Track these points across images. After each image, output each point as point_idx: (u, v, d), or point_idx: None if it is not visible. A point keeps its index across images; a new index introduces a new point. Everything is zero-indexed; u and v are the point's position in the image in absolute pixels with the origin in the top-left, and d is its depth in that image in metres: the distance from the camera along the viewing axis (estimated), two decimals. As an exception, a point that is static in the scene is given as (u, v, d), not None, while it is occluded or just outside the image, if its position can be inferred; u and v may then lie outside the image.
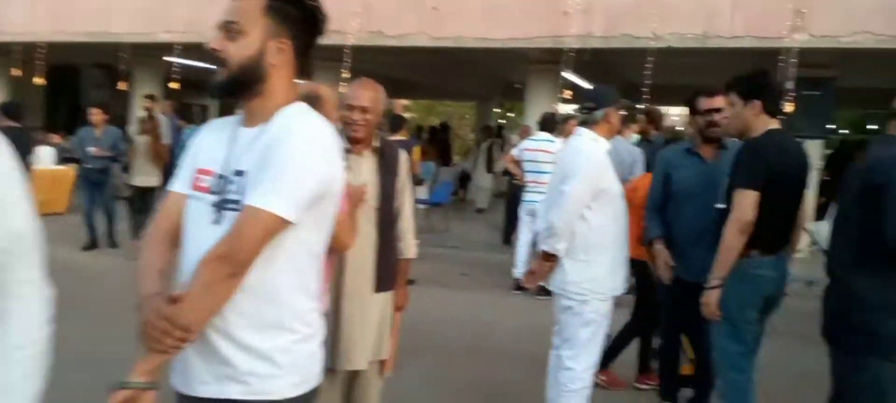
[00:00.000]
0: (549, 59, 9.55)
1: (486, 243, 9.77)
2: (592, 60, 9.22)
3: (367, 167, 2.87)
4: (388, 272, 2.96)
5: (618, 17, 8.55)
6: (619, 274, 3.31)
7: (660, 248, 3.67)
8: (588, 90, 3.43)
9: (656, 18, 8.44)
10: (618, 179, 3.40)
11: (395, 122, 7.57)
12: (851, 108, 20.34)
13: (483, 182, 13.25)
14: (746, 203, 2.94)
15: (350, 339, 2.88)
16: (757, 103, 3.05)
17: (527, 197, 6.86)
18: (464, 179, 15.69)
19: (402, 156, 3.04)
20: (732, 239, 2.97)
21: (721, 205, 3.14)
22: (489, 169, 13.09)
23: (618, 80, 11.20)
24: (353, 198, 2.69)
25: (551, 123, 7.11)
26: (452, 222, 11.06)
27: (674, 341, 3.85)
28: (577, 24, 8.65)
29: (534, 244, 6.67)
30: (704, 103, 3.60)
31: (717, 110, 3.53)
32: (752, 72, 3.17)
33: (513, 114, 27.16)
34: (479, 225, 11.57)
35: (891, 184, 2.34)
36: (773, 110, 3.07)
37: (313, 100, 2.60)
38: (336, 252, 2.68)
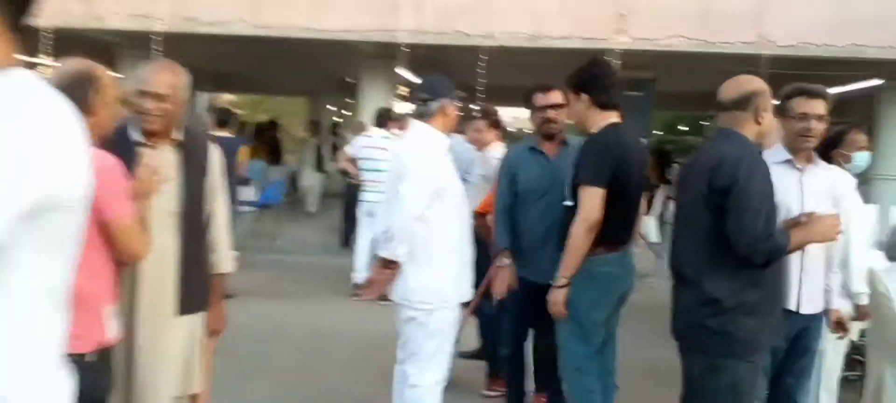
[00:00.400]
0: (383, 54, 9.26)
1: (323, 247, 9.24)
2: (427, 58, 9.08)
3: (166, 164, 2.36)
4: (196, 290, 2.48)
5: (450, 13, 8.46)
6: (465, 279, 3.06)
7: (503, 264, 3.47)
8: (421, 81, 3.15)
9: (487, 17, 8.46)
10: (458, 177, 3.15)
11: (222, 117, 6.85)
12: (664, 110, 22.18)
13: (312, 182, 12.52)
14: (593, 202, 2.82)
15: (147, 373, 2.39)
16: (585, 97, 2.94)
17: (365, 196, 6.49)
18: (297, 179, 15.00)
19: (213, 152, 2.55)
20: (579, 238, 2.83)
21: (569, 203, 2.99)
22: (319, 167, 12.46)
23: (453, 80, 11.15)
24: (142, 186, 2.17)
25: (387, 119, 6.79)
26: (285, 225, 10.41)
27: (521, 347, 3.67)
28: (409, 18, 8.44)
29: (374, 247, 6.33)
30: (539, 99, 3.47)
31: (554, 106, 3.41)
32: (582, 66, 3.06)
33: (348, 112, 26.66)
34: (313, 227, 10.97)
35: (735, 186, 2.29)
36: (604, 103, 2.95)
37: (86, 82, 2.08)
38: (126, 265, 2.17)
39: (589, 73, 2.99)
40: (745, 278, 2.34)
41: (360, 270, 6.56)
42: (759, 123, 2.48)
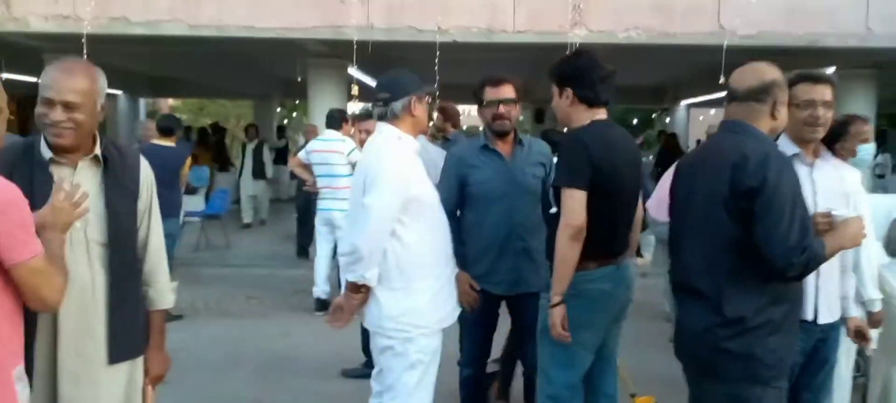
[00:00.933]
0: (330, 53, 8.84)
1: (277, 257, 8.75)
2: (377, 55, 8.71)
3: (85, 184, 1.95)
4: (131, 332, 2.09)
5: (400, 8, 8.10)
6: (446, 300, 2.71)
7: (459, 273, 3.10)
8: (381, 78, 2.80)
9: (440, 11, 8.14)
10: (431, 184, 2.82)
11: (165, 125, 6.28)
12: (616, 104, 22.24)
13: (255, 190, 11.45)
14: (573, 204, 2.50)
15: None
16: (568, 92, 2.64)
17: (321, 204, 6.07)
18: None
19: (144, 168, 2.15)
20: (565, 247, 2.51)
21: (554, 210, 2.68)
22: (259, 174, 11.46)
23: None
24: (57, 217, 1.77)
25: (339, 120, 6.33)
26: (234, 235, 9.89)
27: (480, 370, 3.36)
28: (357, 13, 8.05)
29: (334, 256, 5.90)
30: (490, 93, 3.18)
31: (506, 101, 3.16)
32: (567, 57, 2.76)
33: (296, 114, 26.01)
34: (266, 236, 10.47)
35: (765, 188, 2.01)
36: (589, 98, 2.64)
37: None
38: (40, 311, 1.78)
39: (573, 66, 2.68)
40: (770, 292, 2.07)
41: (321, 283, 6.17)
42: (775, 118, 2.22)
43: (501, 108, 3.14)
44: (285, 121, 21.30)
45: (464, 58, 8.67)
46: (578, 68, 2.66)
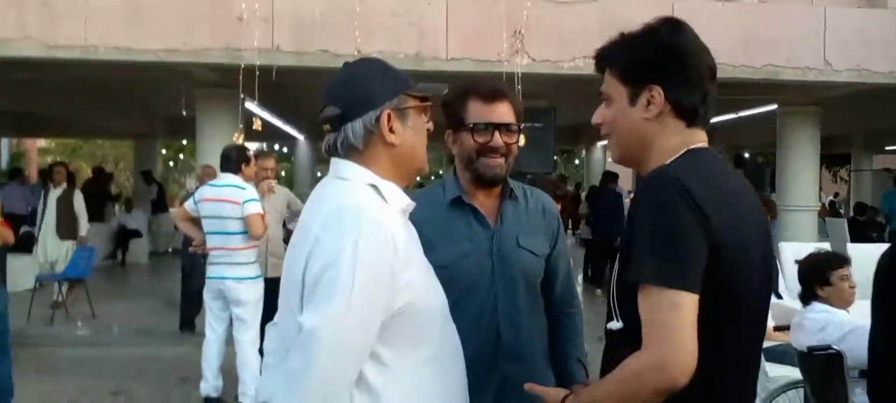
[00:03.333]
0: (224, 82, 7.41)
1: (155, 331, 6.97)
2: (283, 84, 7.36)
3: None
4: None
5: (312, 29, 6.84)
6: None
7: None
8: (329, 83, 1.51)
9: (361, 34, 6.92)
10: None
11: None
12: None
13: (58, 252, 8.21)
14: (675, 321, 1.22)
15: None
16: (653, 93, 1.39)
17: (211, 270, 4.58)
18: (123, 237, 12.45)
19: None
20: (646, 393, 1.25)
21: (615, 325, 1.43)
22: (69, 232, 8.16)
23: (312, 112, 9.44)
24: None
25: (238, 161, 4.80)
26: (103, 302, 8.03)
27: None
28: (257, 33, 6.71)
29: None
30: (478, 110, 1.86)
31: (504, 128, 1.86)
32: (645, 29, 1.43)
33: (183, 155, 23.79)
34: (143, 302, 8.61)
35: None
36: (691, 109, 1.40)
37: None
38: None
39: (666, 48, 1.40)
40: None
41: (211, 377, 4.63)
42: None
43: (497, 137, 1.86)
44: (171, 163, 19.22)
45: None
46: (678, 53, 1.39)
